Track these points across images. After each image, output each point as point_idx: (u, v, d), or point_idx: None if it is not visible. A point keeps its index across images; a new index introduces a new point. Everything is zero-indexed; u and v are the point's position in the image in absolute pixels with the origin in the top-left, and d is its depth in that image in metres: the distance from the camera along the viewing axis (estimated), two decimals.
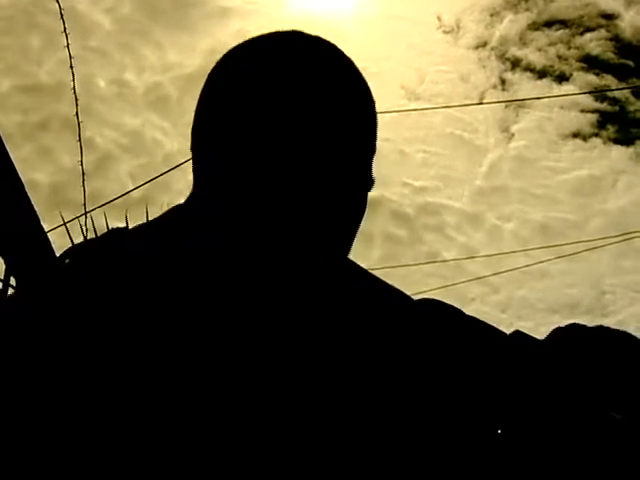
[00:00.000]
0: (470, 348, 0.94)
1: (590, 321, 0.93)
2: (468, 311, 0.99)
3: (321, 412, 0.81)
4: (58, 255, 0.88)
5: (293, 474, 0.78)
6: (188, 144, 0.93)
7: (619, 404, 0.88)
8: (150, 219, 0.92)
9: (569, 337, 0.91)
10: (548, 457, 0.87)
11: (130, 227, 0.91)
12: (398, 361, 0.88)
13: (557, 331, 0.92)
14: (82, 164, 6.12)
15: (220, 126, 0.87)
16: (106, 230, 0.90)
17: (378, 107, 0.95)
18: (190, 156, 0.92)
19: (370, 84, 0.94)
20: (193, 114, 0.92)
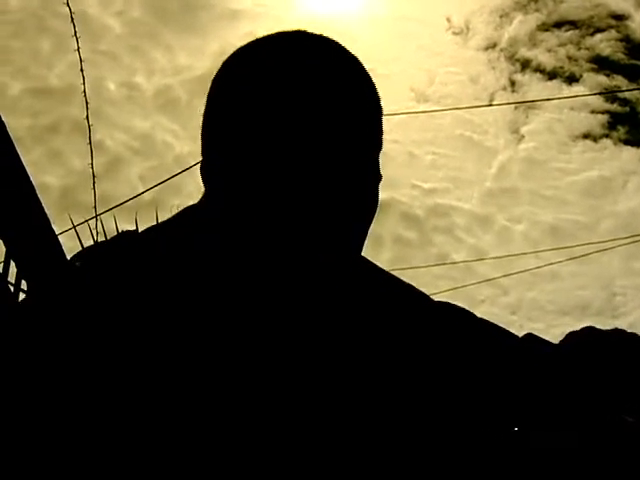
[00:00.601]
0: (484, 349, 0.93)
1: (601, 323, 0.92)
2: (478, 313, 0.99)
3: (330, 411, 0.81)
4: (69, 258, 0.89)
5: (300, 474, 0.78)
6: (198, 146, 0.93)
7: (631, 407, 0.87)
8: (160, 221, 0.92)
9: (583, 341, 0.91)
10: (560, 458, 0.87)
11: (140, 230, 0.92)
12: (411, 361, 0.88)
13: (571, 335, 0.92)
14: (92, 167, 6.14)
15: (227, 125, 0.87)
16: (116, 233, 0.90)
17: (387, 109, 0.95)
18: (200, 159, 0.92)
19: (379, 86, 0.94)
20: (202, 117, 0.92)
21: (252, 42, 0.92)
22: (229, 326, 0.81)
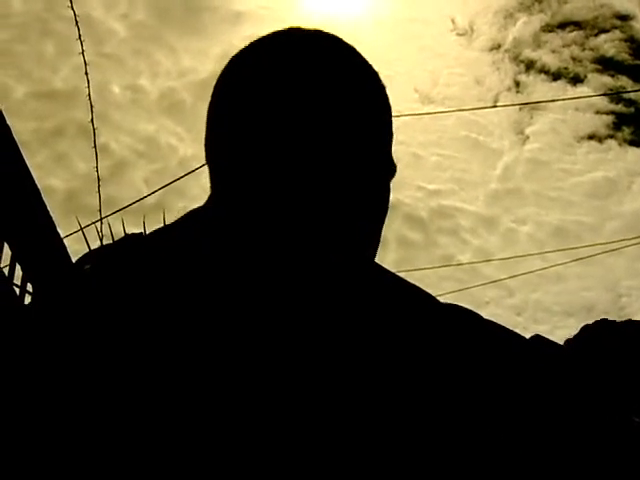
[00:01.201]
0: (491, 351, 0.93)
1: None
2: (483, 314, 0.99)
3: (334, 413, 0.81)
4: (74, 261, 0.89)
5: (302, 474, 0.78)
6: (203, 149, 0.93)
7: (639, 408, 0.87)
8: (166, 224, 0.92)
9: (596, 336, 0.90)
10: (567, 459, 0.86)
11: (146, 233, 0.92)
12: (417, 362, 0.88)
13: (585, 329, 0.91)
14: (97, 170, 6.16)
15: (232, 123, 0.87)
16: (122, 236, 0.90)
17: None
18: (205, 161, 0.92)
19: None
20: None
21: (245, 48, 0.92)
22: (236, 328, 0.81)
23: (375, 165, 0.88)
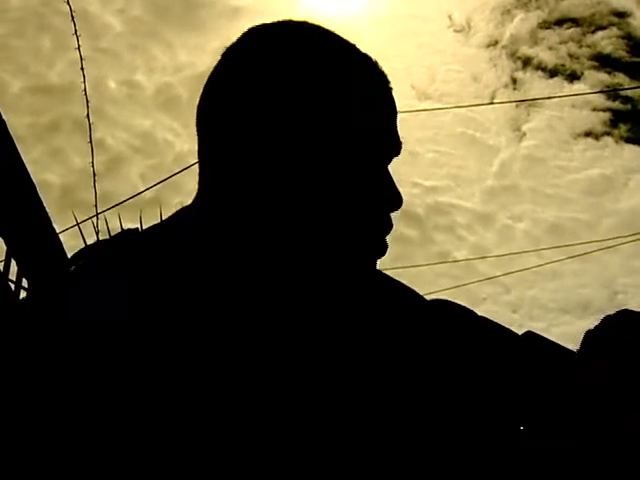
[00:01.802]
0: (483, 348, 0.93)
1: None
2: (479, 311, 0.99)
3: (333, 411, 0.81)
4: (70, 256, 0.89)
5: (303, 474, 0.78)
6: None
7: (633, 407, 0.87)
8: (162, 220, 0.92)
9: (617, 326, 0.88)
10: (560, 459, 0.87)
11: (143, 228, 0.92)
12: (411, 360, 0.88)
13: (607, 319, 0.90)
14: (93, 165, 6.15)
15: (220, 118, 0.87)
16: (119, 231, 0.90)
17: None
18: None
19: None
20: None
21: (238, 41, 0.91)
22: (234, 325, 0.81)
23: (370, 152, 0.89)
